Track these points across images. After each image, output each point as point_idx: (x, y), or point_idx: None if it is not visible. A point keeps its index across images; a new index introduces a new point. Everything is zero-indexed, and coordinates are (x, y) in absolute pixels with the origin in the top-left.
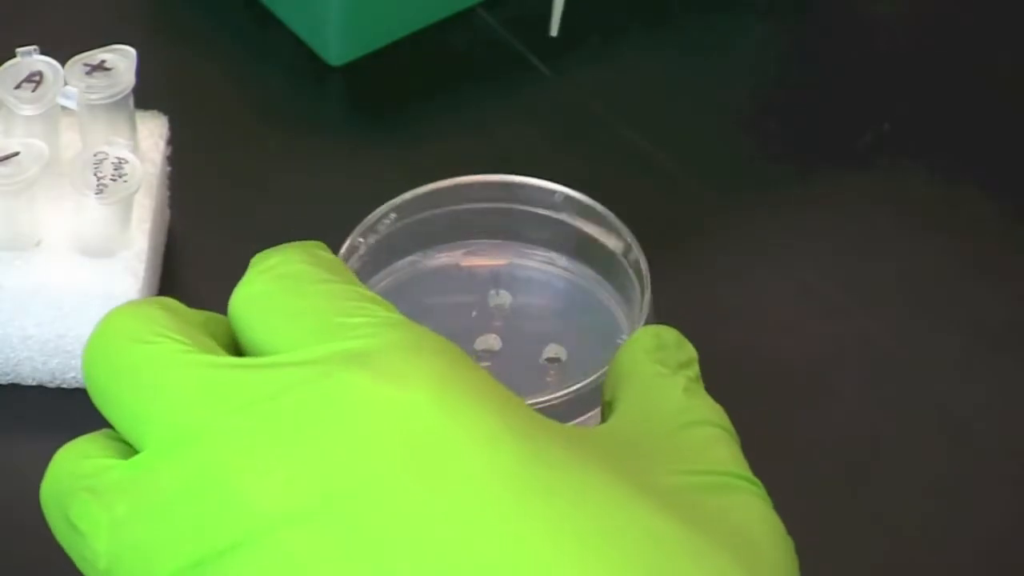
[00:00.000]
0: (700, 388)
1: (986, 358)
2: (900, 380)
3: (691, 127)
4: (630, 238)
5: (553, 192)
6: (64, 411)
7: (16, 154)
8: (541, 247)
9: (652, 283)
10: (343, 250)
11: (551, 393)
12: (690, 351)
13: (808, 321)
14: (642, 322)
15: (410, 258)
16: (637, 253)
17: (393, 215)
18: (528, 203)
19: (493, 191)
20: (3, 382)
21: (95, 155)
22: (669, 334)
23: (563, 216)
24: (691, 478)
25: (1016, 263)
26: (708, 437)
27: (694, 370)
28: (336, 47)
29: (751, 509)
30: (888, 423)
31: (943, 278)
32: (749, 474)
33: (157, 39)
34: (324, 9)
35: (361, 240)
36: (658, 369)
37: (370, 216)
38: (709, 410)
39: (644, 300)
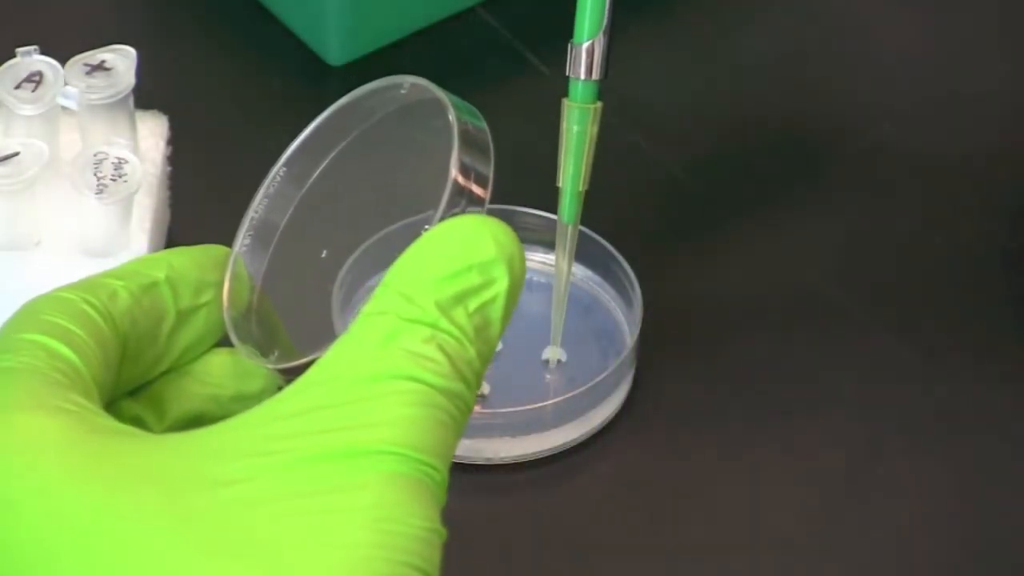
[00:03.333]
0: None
1: (986, 358)
2: (900, 380)
3: (691, 127)
4: (627, 262)
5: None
6: None
7: (16, 154)
8: (541, 248)
9: (651, 282)
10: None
11: (553, 396)
12: (492, 273)
13: (806, 320)
14: (638, 325)
15: None
16: (633, 272)
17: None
18: (530, 224)
19: (494, 216)
20: None
21: (95, 155)
22: (468, 249)
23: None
24: (267, 459)
25: (1016, 263)
26: (363, 397)
27: (476, 301)
28: (336, 47)
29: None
30: (888, 423)
31: (943, 278)
32: (396, 447)
33: (157, 39)
34: (323, 10)
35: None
36: (378, 306)
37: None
38: (404, 361)
39: (638, 301)
